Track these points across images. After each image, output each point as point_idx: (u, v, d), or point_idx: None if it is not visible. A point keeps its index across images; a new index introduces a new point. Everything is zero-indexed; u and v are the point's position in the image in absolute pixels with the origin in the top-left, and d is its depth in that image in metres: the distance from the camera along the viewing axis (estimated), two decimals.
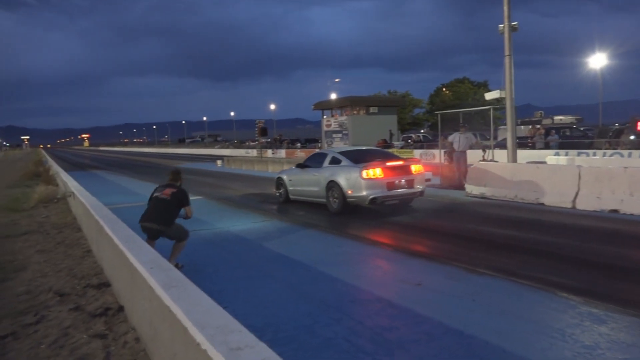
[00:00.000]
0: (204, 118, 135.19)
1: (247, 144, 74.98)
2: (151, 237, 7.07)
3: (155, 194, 7.19)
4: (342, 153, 11.75)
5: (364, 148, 13.21)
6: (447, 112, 18.27)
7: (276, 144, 57.74)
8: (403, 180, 10.74)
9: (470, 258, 6.98)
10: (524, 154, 20.25)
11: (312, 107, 49.31)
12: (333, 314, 5.08)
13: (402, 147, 37.01)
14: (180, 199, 7.03)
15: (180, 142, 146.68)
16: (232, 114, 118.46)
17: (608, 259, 6.68)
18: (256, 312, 5.25)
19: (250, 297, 5.73)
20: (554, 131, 26.66)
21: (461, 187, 13.95)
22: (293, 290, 5.96)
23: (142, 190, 18.15)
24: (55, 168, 26.02)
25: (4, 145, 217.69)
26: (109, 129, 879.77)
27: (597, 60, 40.87)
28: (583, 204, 10.29)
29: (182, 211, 7.08)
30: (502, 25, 13.65)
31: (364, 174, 10.45)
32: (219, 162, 33.60)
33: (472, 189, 12.90)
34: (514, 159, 13.56)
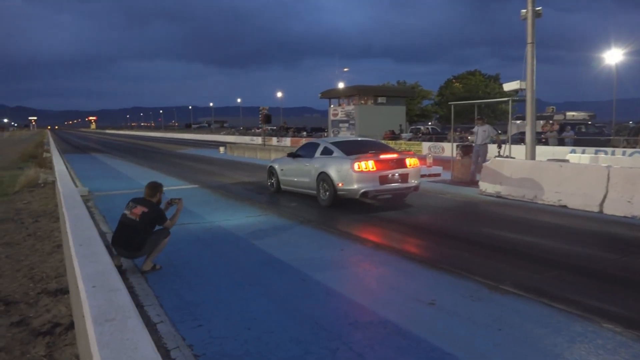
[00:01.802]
0: (211, 104, 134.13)
1: (252, 131, 74.05)
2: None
3: (125, 211, 6.09)
4: (335, 143, 11.32)
5: (358, 139, 12.72)
6: (460, 102, 17.15)
7: (281, 132, 56.77)
8: (397, 174, 10.29)
9: (492, 270, 6.01)
10: (538, 151, 19.16)
11: (319, 95, 48.27)
12: (328, 342, 4.14)
13: (410, 139, 35.99)
14: (153, 219, 5.98)
15: (187, 127, 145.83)
16: (239, 100, 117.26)
17: None
18: (235, 334, 4.31)
19: (231, 314, 4.80)
20: (569, 127, 25.51)
21: (474, 184, 12.99)
22: (283, 305, 5.02)
23: (140, 177, 17.33)
24: (53, 150, 25.20)
25: (12, 125, 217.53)
26: (117, 112, 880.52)
27: (612, 56, 39.41)
28: (612, 209, 9.27)
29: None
30: (524, 11, 12.57)
31: (356, 166, 10.02)
32: (221, 149, 32.72)
33: (486, 187, 11.91)
34: (532, 156, 12.55)
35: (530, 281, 5.60)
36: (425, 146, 29.77)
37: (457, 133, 29.40)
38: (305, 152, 12.11)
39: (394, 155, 10.53)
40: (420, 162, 11.32)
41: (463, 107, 17.36)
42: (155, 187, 6.23)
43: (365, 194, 10.05)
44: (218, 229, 8.70)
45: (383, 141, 34.64)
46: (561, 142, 24.00)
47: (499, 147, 14.33)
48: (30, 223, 8.90)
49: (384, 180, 10.16)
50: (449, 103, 17.13)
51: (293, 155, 12.48)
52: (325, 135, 48.32)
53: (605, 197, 9.46)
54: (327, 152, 11.19)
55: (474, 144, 14.49)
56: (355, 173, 10.02)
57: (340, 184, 10.29)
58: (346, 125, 43.08)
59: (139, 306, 4.93)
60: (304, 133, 55.57)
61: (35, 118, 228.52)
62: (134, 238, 5.85)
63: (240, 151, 30.54)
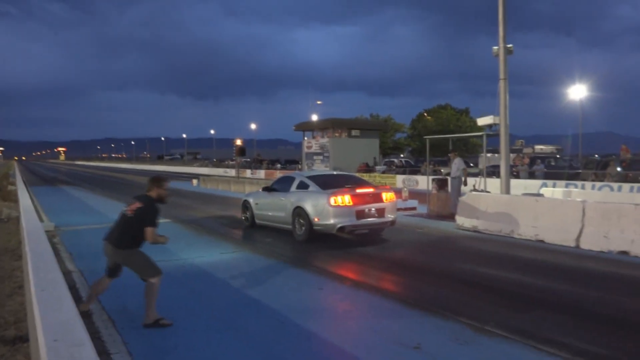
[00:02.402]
0: (184, 135, 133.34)
1: (226, 163, 73.56)
2: (109, 266, 5.75)
3: (123, 208, 5.73)
4: (310, 177, 11.30)
5: (334, 173, 12.77)
6: (436, 137, 17.31)
7: (255, 164, 56.51)
8: (373, 209, 10.25)
9: (474, 310, 5.85)
10: (510, 184, 19.40)
11: (294, 128, 48.37)
12: None
13: (384, 172, 36.16)
14: (143, 216, 5.38)
15: (159, 159, 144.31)
16: (212, 131, 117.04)
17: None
18: None
19: None
20: (539, 160, 26.01)
21: (450, 218, 12.96)
22: (261, 350, 4.74)
23: (109, 210, 16.79)
24: (18, 182, 24.41)
25: None
26: (88, 142, 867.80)
27: (577, 92, 40.72)
28: (588, 243, 9.29)
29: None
30: (496, 48, 12.81)
31: (332, 200, 9.96)
32: (194, 182, 32.24)
33: (463, 221, 11.87)
34: (507, 189, 12.60)
35: (514, 321, 5.45)
36: (400, 179, 29.83)
37: (431, 166, 29.66)
38: (280, 186, 11.97)
39: (371, 190, 10.51)
40: (396, 195, 11.30)
41: (436, 141, 17.56)
42: (153, 180, 5.71)
43: (342, 229, 9.92)
44: (191, 266, 8.38)
45: (357, 174, 34.78)
46: (532, 175, 24.39)
47: (465, 182, 14.45)
48: None
49: (360, 215, 10.07)
50: (425, 137, 17.26)
51: (268, 189, 12.35)
52: (300, 167, 48.27)
53: (581, 231, 9.48)
54: (303, 186, 11.07)
55: (449, 177, 14.58)
56: (332, 208, 9.92)
57: (316, 219, 10.15)
58: (320, 157, 43.13)
59: (106, 354, 4.59)
60: (278, 165, 55.45)
61: (1, 149, 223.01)
62: (126, 234, 5.41)
63: (213, 184, 30.15)
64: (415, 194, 17.66)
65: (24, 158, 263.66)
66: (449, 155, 14.75)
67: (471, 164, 34.25)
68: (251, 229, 12.65)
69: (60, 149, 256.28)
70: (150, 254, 6.15)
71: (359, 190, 10.28)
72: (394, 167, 38.10)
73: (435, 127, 61.03)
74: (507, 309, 5.91)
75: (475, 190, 13.03)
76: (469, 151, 60.20)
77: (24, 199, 13.48)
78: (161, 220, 14.80)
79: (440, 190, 14.62)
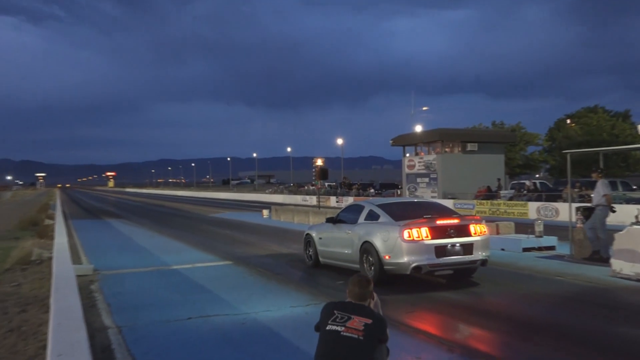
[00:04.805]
0: (254, 154, 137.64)
1: (305, 188, 74.80)
2: None
3: (332, 327, 4.69)
4: (382, 206, 11.83)
5: (414, 200, 13.32)
6: (581, 151, 16.47)
7: (342, 190, 56.89)
8: (458, 245, 10.45)
9: None
10: None
11: (391, 142, 48.34)
12: None
13: (511, 198, 35.08)
14: (380, 335, 4.64)
15: (225, 184, 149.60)
16: (288, 149, 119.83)
17: None
18: None
19: None
20: None
21: (603, 261, 12.23)
22: None
23: (159, 250, 17.52)
24: (57, 216, 26.14)
25: (17, 183, 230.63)
26: (140, 165, 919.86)
27: None
28: None
29: None
30: None
31: (405, 234, 10.26)
32: (265, 213, 32.99)
33: (621, 266, 11.14)
34: None
35: None
36: (533, 207, 28.85)
37: (576, 190, 28.34)
38: (347, 216, 12.50)
39: (455, 221, 10.71)
40: (488, 230, 11.48)
41: (583, 156, 16.68)
42: (369, 283, 5.01)
43: (417, 268, 10.18)
44: (254, 323, 8.41)
45: (471, 202, 33.96)
46: None
47: (612, 210, 13.51)
48: (16, 313, 8.92)
49: (441, 252, 10.27)
50: (564, 152, 16.51)
51: (333, 220, 12.84)
52: (399, 193, 48.00)
53: None
54: (372, 216, 11.52)
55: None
56: (405, 243, 10.20)
57: (386, 257, 10.48)
58: (426, 180, 42.64)
59: None
60: (372, 191, 55.39)
61: (43, 174, 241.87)
62: None
63: (288, 215, 30.64)
64: (553, 229, 16.91)
65: (67, 185, 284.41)
66: (592, 175, 14.05)
67: (634, 187, 32.34)
68: (321, 269, 13.09)
69: (108, 173, 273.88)
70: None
71: (439, 222, 10.47)
72: (525, 192, 36.77)
73: (582, 137, 58.48)
74: None
75: (638, 222, 12.18)
76: (630, 168, 57.00)
77: (60, 236, 14.38)
78: (219, 263, 15.23)
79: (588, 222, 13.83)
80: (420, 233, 10.23)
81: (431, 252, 10.20)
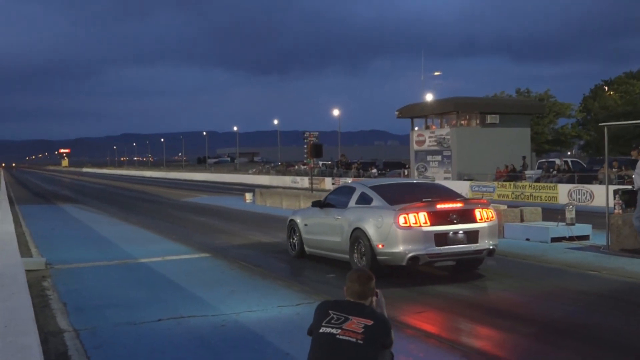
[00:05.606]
0: (235, 128, 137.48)
1: (295, 168, 74.86)
2: None
3: (325, 329, 4.73)
4: (375, 188, 12.08)
5: (412, 181, 13.91)
6: (622, 123, 16.56)
7: (339, 170, 56.99)
8: (461, 232, 10.66)
9: None
10: None
11: (397, 113, 48.35)
12: None
13: (538, 179, 35.18)
14: (383, 338, 4.68)
15: (200, 164, 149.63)
16: (275, 122, 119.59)
17: None
18: None
19: None
20: None
21: None
22: None
23: (123, 240, 17.54)
24: (1, 201, 26.13)
25: None
26: (100, 141, 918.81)
27: None
28: None
29: None
30: None
31: (401, 219, 10.40)
32: (247, 197, 33.05)
33: None
34: None
35: None
36: (563, 190, 28.98)
37: (614, 170, 28.42)
38: (336, 199, 12.78)
39: (458, 205, 10.91)
40: (496, 215, 11.68)
41: (623, 129, 16.73)
42: (371, 279, 4.97)
43: (414, 259, 10.35)
44: (235, 325, 8.49)
45: (491, 184, 34.05)
46: None
47: None
48: None
49: (442, 240, 10.44)
50: (600, 125, 16.59)
51: (321, 204, 13.02)
52: (406, 173, 48.10)
53: None
54: (364, 199, 11.70)
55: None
56: (401, 230, 10.36)
57: (380, 245, 10.61)
58: (438, 157, 42.73)
59: None
60: (374, 170, 55.52)
61: None
62: None
63: (275, 199, 30.70)
64: (587, 215, 17.00)
65: (13, 165, 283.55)
66: (632, 153, 14.04)
67: None
68: (307, 260, 13.33)
69: (62, 150, 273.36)
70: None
71: (440, 206, 10.62)
72: (555, 173, 36.93)
73: (622, 107, 58.66)
74: None
75: None
76: None
77: (5, 224, 14.38)
78: (194, 255, 15.33)
79: (628, 208, 13.93)
80: (418, 218, 10.35)
81: (430, 240, 10.35)
